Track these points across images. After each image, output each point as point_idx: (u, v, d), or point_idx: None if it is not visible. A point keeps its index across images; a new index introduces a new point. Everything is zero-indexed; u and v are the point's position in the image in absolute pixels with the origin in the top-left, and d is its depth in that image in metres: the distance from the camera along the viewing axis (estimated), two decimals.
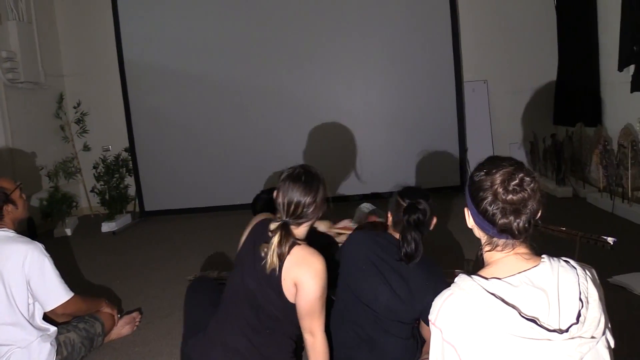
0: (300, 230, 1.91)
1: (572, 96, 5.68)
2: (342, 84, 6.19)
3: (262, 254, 1.85)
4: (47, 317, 2.47)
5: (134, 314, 2.95)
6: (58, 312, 2.47)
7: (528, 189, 1.19)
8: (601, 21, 5.13)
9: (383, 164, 6.13)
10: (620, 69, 4.64)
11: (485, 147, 6.35)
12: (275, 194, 1.92)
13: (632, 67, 4.49)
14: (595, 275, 1.24)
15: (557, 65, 6.10)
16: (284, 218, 1.86)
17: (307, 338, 1.91)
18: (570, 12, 5.74)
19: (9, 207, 2.44)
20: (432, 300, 2.03)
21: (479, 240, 1.32)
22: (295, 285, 1.84)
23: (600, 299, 1.17)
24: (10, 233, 2.43)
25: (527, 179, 1.20)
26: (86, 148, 6.44)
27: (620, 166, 4.37)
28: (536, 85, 6.30)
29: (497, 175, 1.21)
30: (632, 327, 2.43)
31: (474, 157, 6.28)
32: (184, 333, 2.22)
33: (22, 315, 2.34)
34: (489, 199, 1.21)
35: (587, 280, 1.17)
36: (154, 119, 6.30)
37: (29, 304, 2.37)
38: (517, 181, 1.19)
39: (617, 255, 3.27)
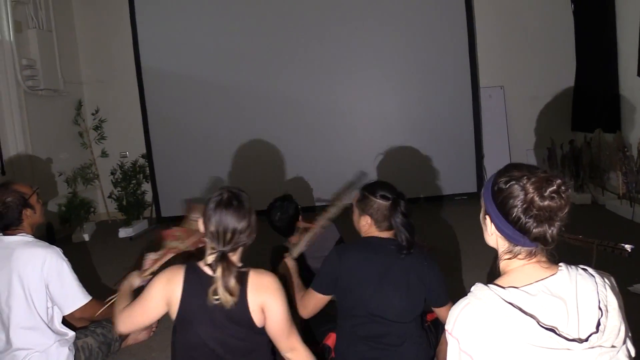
0: (237, 256, 1.81)
1: (591, 102, 5.62)
2: (358, 89, 6.20)
3: (214, 299, 1.71)
4: (65, 322, 2.50)
5: None
6: (76, 316, 2.50)
7: (564, 196, 1.16)
8: (620, 26, 5.08)
9: (399, 170, 6.10)
10: None
11: (501, 153, 6.30)
12: (202, 223, 1.80)
13: None
14: (614, 283, 1.22)
15: (575, 70, 6.04)
16: (221, 248, 1.73)
17: (290, 357, 1.85)
18: (588, 17, 5.69)
19: (27, 212, 2.47)
20: (436, 279, 2.12)
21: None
22: (263, 310, 1.78)
23: (619, 307, 1.15)
24: (29, 238, 2.47)
25: (564, 185, 1.17)
26: (104, 154, 6.52)
27: None
28: (554, 91, 6.24)
29: (531, 181, 1.17)
30: None
31: (491, 164, 6.24)
32: None
33: (41, 319, 2.37)
34: (523, 206, 1.16)
35: (605, 288, 1.15)
36: (171, 126, 6.36)
37: (47, 308, 2.40)
38: (554, 187, 1.16)
39: (638, 263, 3.22)
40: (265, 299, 1.77)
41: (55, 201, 5.73)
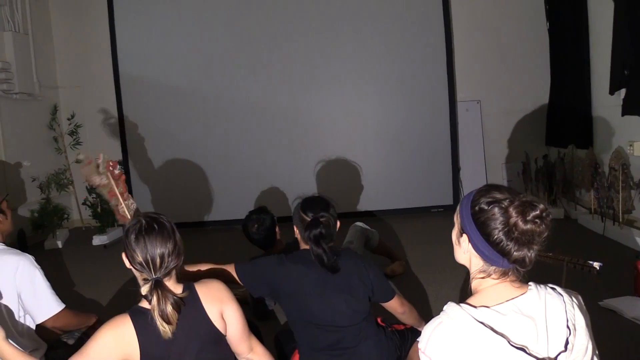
0: (172, 280, 1.74)
1: (564, 118, 5.74)
2: (337, 100, 6.25)
3: (168, 335, 1.62)
4: (37, 333, 2.45)
5: None
6: (48, 325, 2.44)
7: (546, 221, 1.18)
8: (593, 45, 5.21)
9: (376, 182, 6.17)
10: (612, 92, 4.70)
11: (477, 166, 6.39)
12: (126, 258, 1.70)
13: (623, 91, 4.56)
14: (582, 301, 1.25)
15: (550, 87, 6.18)
16: (153, 276, 1.64)
17: (251, 357, 1.87)
18: (562, 35, 5.83)
19: None
20: (376, 275, 2.18)
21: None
22: (222, 317, 1.76)
23: (587, 325, 1.18)
24: (0, 245, 2.42)
25: (546, 211, 1.18)
26: (79, 160, 6.42)
27: (611, 189, 4.41)
28: (529, 106, 6.37)
29: (514, 205, 1.18)
30: (622, 350, 2.45)
31: (467, 177, 6.32)
32: None
33: (13, 329, 2.32)
34: (505, 229, 1.18)
35: (573, 307, 1.18)
36: (148, 132, 6.33)
37: (19, 317, 2.35)
38: (537, 212, 1.17)
39: (608, 278, 3.29)
40: (221, 306, 1.77)
41: (28, 207, 5.63)
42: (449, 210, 6.08)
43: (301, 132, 6.25)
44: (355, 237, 3.70)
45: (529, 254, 1.18)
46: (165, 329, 1.59)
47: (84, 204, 6.09)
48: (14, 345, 1.73)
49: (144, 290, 1.63)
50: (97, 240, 5.62)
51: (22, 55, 5.79)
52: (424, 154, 6.25)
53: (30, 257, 2.41)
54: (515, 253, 1.18)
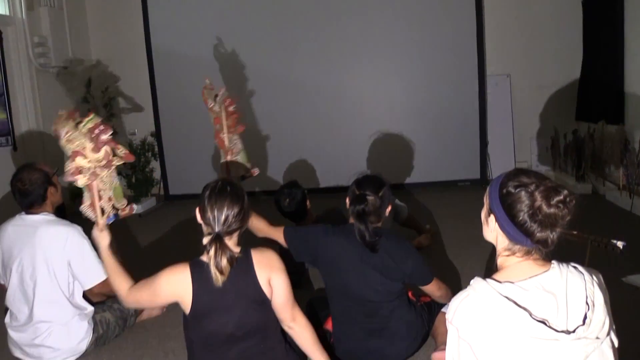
0: (233, 241, 1.92)
1: (596, 93, 5.68)
2: (365, 74, 6.26)
3: (219, 283, 1.81)
4: (84, 297, 2.63)
5: None
6: (95, 291, 2.63)
7: (570, 206, 1.26)
8: (628, 19, 5.11)
9: (405, 155, 6.20)
10: None
11: (506, 141, 6.38)
12: (199, 212, 1.92)
13: None
14: (602, 279, 1.33)
15: (582, 61, 6.08)
16: (216, 230, 1.85)
17: (292, 326, 2.00)
18: (596, 9, 5.72)
19: (51, 190, 2.59)
20: (415, 262, 2.27)
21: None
22: (270, 284, 1.92)
23: (605, 302, 1.26)
24: (51, 217, 2.59)
25: (569, 196, 1.26)
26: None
27: None
28: (560, 81, 6.29)
29: (539, 189, 1.26)
30: None
31: (495, 151, 6.32)
32: None
33: (63, 293, 2.50)
34: (530, 212, 1.26)
35: (593, 285, 1.26)
36: (180, 105, 6.41)
37: (69, 283, 2.53)
38: (561, 197, 1.25)
39: (633, 255, 3.33)
40: (270, 273, 1.92)
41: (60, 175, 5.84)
42: (475, 184, 6.12)
43: (330, 106, 6.29)
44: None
45: (551, 236, 1.27)
46: (217, 278, 1.80)
47: (118, 174, 6.26)
48: (113, 256, 2.13)
49: (205, 241, 1.85)
50: None
51: (57, 30, 5.93)
52: (452, 128, 6.25)
53: (79, 227, 2.58)
54: (538, 234, 1.26)
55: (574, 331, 1.19)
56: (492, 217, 1.35)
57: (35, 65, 5.59)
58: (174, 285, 1.88)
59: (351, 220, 2.28)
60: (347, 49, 6.21)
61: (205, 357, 1.95)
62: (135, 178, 6.09)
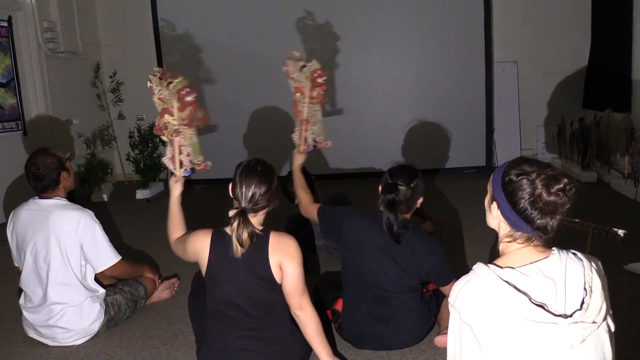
0: (257, 219, 2.01)
1: (603, 81, 5.68)
2: (373, 60, 6.27)
3: (238, 254, 1.93)
4: (96, 280, 2.70)
5: (173, 280, 3.18)
6: (106, 274, 2.70)
7: (569, 194, 1.29)
8: (636, 7, 5.09)
9: (411, 142, 6.22)
10: None
11: (512, 128, 6.39)
12: (231, 187, 2.03)
13: None
14: (601, 266, 1.37)
15: (590, 49, 6.07)
16: (242, 205, 1.96)
17: (298, 314, 2.04)
18: None
19: (64, 175, 2.65)
20: (436, 262, 2.29)
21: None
22: (281, 268, 1.99)
23: (603, 288, 1.30)
24: (64, 201, 2.65)
25: (569, 185, 1.29)
26: (121, 117, 6.67)
27: None
28: (567, 68, 6.29)
29: (540, 177, 1.29)
30: None
31: (501, 138, 6.34)
32: (196, 340, 2.38)
33: (76, 276, 2.56)
34: (530, 199, 1.29)
35: (592, 271, 1.30)
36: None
37: (81, 266, 2.59)
38: (561, 185, 1.28)
39: (636, 243, 3.37)
40: (283, 258, 1.98)
41: (75, 162, 5.91)
42: (481, 171, 6.14)
43: (338, 92, 6.31)
44: None
45: (551, 223, 1.31)
46: (237, 249, 1.93)
47: (127, 159, 6.33)
48: (179, 206, 2.32)
49: (231, 214, 1.96)
50: (141, 194, 5.89)
51: (66, 15, 5.97)
52: (458, 114, 6.27)
53: (91, 212, 2.64)
54: (538, 221, 1.30)
55: (571, 315, 1.24)
56: (494, 204, 1.39)
57: (44, 50, 5.64)
58: (196, 246, 2.06)
59: (381, 207, 2.29)
60: (355, 34, 6.22)
61: (214, 326, 2.08)
62: (143, 163, 6.14)
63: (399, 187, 2.25)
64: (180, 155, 2.35)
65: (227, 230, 1.99)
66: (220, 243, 2.01)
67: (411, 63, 6.31)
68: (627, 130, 4.75)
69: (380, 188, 2.34)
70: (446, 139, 6.26)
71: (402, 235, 2.25)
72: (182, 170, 2.36)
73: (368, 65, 6.28)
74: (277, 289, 2.01)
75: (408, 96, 6.32)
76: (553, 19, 6.21)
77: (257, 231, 1.98)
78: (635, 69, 5.13)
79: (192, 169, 2.40)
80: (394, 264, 2.28)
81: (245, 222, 1.93)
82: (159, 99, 2.33)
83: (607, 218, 3.95)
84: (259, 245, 1.97)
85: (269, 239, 2.00)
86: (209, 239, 2.04)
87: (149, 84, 2.36)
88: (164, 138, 2.35)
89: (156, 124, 2.35)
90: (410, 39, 6.23)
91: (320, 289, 2.72)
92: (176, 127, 2.31)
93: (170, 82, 2.31)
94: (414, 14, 6.15)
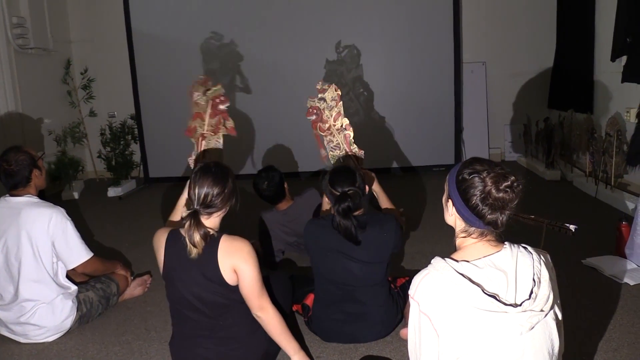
0: (211, 221, 2.02)
1: (567, 82, 5.86)
2: (341, 59, 6.33)
3: (192, 255, 1.96)
4: (68, 277, 2.71)
5: (145, 277, 3.21)
6: (78, 271, 2.72)
7: (516, 191, 1.39)
8: (598, 11, 5.27)
9: (380, 140, 6.32)
10: (613, 59, 4.81)
11: (480, 127, 6.55)
12: (187, 188, 2.07)
13: (624, 58, 4.67)
14: (549, 259, 1.47)
15: (555, 50, 6.26)
16: (194, 207, 1.97)
17: (260, 315, 2.06)
18: (570, 0, 5.87)
19: (36, 172, 2.66)
20: (396, 242, 2.41)
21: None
22: (235, 272, 2.00)
23: (551, 279, 1.40)
24: (35, 199, 2.66)
25: (516, 182, 1.39)
26: (92, 114, 6.62)
27: (605, 154, 4.58)
28: (534, 69, 6.47)
29: (490, 175, 1.39)
30: (599, 304, 2.69)
31: (469, 137, 6.49)
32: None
33: (47, 273, 2.58)
34: (481, 196, 1.39)
35: (540, 264, 1.40)
36: (160, 87, 6.42)
37: (53, 263, 2.61)
38: (509, 183, 1.38)
39: (595, 238, 3.53)
40: (235, 262, 1.99)
41: (45, 159, 5.84)
42: (450, 170, 6.27)
43: (305, 89, 6.34)
44: None
45: (501, 218, 1.41)
46: (191, 250, 1.95)
47: (98, 157, 6.29)
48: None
49: (184, 214, 2.01)
50: (112, 192, 5.87)
51: (36, 11, 5.89)
52: (427, 113, 6.38)
53: (62, 209, 2.65)
54: (489, 216, 1.40)
55: (520, 304, 1.33)
56: (450, 202, 1.48)
57: (13, 47, 5.56)
58: (154, 244, 2.10)
59: (338, 219, 2.34)
60: (324, 33, 6.27)
61: (174, 321, 2.15)
62: (115, 161, 6.12)
63: (349, 193, 2.34)
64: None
65: (182, 231, 2.00)
66: (174, 243, 2.02)
67: (381, 63, 6.39)
68: (588, 130, 4.92)
69: (325, 199, 2.43)
70: (415, 137, 6.38)
71: (358, 236, 2.32)
72: None
73: (337, 66, 6.35)
74: (231, 290, 2.02)
75: (377, 95, 6.41)
76: (520, 21, 6.39)
77: (210, 233, 1.99)
78: (597, 70, 5.32)
79: None
80: (356, 261, 2.37)
81: (197, 223, 1.94)
82: (195, 103, 2.49)
83: (569, 214, 4.11)
84: (210, 247, 1.98)
85: (219, 242, 1.99)
86: (164, 239, 2.05)
87: (188, 88, 2.52)
88: (192, 140, 2.52)
89: (188, 125, 2.52)
90: (379, 40, 6.31)
91: (295, 283, 2.79)
92: (203, 132, 2.46)
93: (208, 89, 2.47)
94: (383, 15, 6.23)
